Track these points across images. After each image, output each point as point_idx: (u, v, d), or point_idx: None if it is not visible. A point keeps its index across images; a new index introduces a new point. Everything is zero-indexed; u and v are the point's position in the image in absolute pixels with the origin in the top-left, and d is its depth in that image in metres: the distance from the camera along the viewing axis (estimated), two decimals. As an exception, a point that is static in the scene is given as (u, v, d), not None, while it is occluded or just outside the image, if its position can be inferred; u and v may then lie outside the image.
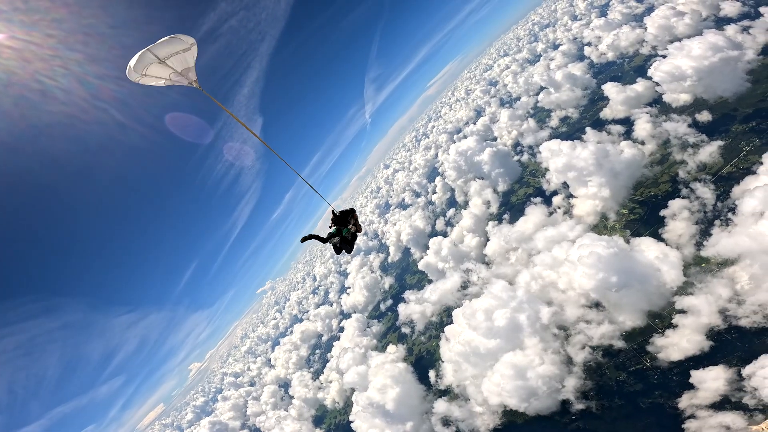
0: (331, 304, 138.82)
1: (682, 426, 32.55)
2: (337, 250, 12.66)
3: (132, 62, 7.33)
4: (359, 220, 13.17)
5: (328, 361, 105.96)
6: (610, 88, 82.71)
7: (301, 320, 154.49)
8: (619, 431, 36.66)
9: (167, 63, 7.66)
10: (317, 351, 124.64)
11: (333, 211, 12.91)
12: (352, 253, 13.10)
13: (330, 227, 12.78)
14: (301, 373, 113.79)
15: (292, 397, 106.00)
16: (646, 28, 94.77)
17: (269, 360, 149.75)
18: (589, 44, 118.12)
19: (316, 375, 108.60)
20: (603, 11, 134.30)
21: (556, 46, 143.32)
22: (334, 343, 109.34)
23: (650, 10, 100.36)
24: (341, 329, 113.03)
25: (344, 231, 12.60)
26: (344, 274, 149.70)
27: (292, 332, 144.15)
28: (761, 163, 45.59)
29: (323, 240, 12.55)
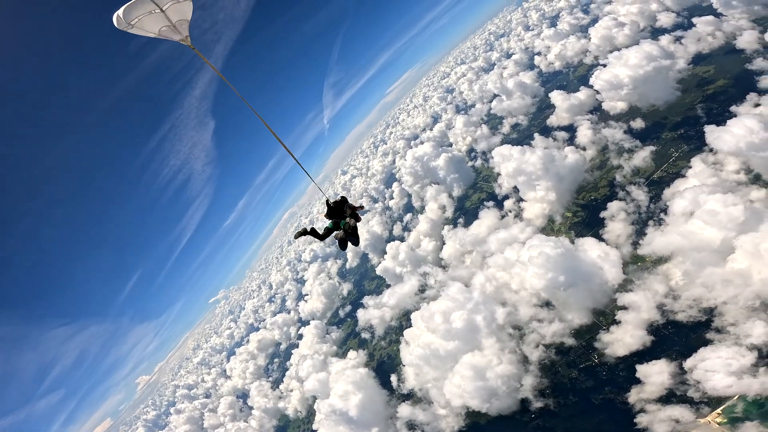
0: (289, 312, 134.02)
1: (634, 420, 33.64)
2: (343, 245, 11.43)
3: (121, 11, 6.58)
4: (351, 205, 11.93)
5: (287, 369, 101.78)
6: (556, 97, 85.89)
7: (257, 329, 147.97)
8: (576, 428, 37.44)
9: (165, 11, 7.04)
10: (276, 360, 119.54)
11: (327, 202, 11.58)
12: (359, 245, 11.84)
13: (326, 216, 11.61)
14: (260, 382, 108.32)
15: (251, 408, 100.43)
16: (590, 39, 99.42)
17: (225, 371, 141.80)
18: (539, 53, 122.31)
19: (276, 384, 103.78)
20: (553, 22, 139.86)
21: (509, 55, 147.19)
22: (292, 351, 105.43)
23: (595, 21, 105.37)
24: (300, 337, 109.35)
25: (342, 223, 11.35)
26: (301, 282, 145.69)
27: (248, 341, 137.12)
28: (689, 167, 48.89)
29: (321, 237, 11.56)
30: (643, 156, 59.21)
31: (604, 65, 79.70)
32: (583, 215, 60.34)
